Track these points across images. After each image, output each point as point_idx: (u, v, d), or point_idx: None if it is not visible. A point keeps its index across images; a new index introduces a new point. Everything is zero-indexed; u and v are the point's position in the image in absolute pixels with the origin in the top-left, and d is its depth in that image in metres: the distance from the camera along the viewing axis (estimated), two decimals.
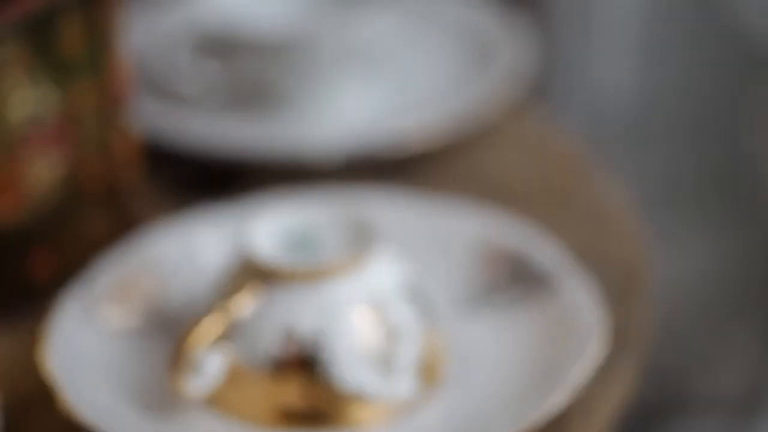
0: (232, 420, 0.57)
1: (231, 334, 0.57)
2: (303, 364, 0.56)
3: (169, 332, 0.62)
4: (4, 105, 0.60)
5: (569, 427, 0.57)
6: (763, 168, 1.33)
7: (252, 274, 0.58)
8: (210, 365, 0.56)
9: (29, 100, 0.62)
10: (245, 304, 0.57)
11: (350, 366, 0.56)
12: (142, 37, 0.83)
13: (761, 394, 1.36)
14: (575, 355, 0.57)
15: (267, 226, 0.59)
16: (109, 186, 0.68)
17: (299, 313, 0.56)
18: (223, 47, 0.79)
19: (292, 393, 0.56)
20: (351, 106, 0.81)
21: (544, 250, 0.64)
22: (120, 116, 0.67)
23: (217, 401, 0.58)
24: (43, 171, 0.64)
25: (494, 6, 0.93)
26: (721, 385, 1.40)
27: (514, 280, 0.64)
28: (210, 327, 0.56)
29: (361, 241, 0.58)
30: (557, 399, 0.55)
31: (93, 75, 0.65)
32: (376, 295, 0.57)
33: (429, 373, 0.58)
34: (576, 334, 0.59)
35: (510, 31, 0.89)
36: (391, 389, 0.57)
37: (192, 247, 0.65)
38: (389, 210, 0.67)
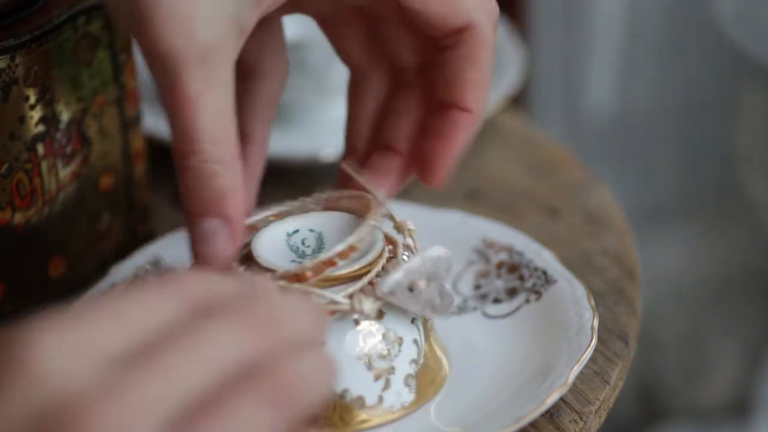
0: None
1: None
2: None
3: None
4: (22, 121, 0.60)
5: (563, 426, 0.58)
6: (747, 172, 1.34)
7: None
8: None
9: (44, 114, 0.61)
10: None
11: (349, 374, 0.55)
12: None
13: (745, 403, 1.37)
14: (569, 354, 0.57)
15: (272, 231, 0.58)
16: (123, 191, 0.68)
17: None
18: None
19: None
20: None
21: (537, 251, 0.65)
22: (132, 126, 0.67)
23: None
24: (61, 179, 0.64)
25: None
26: (706, 393, 1.40)
27: (508, 279, 0.64)
28: None
29: (363, 245, 0.57)
30: (551, 398, 0.55)
31: (106, 87, 0.65)
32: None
33: (429, 379, 0.58)
34: (569, 332, 0.59)
35: (503, 37, 0.90)
36: (389, 398, 0.56)
37: None
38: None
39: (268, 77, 0.62)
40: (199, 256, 0.52)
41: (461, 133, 0.58)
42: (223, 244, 0.52)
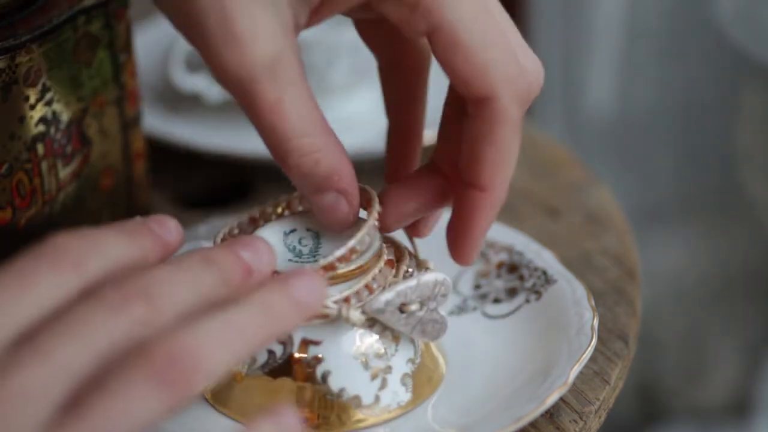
0: (233, 419, 0.57)
1: None
2: (299, 370, 0.55)
3: None
4: (22, 121, 0.60)
5: (563, 426, 0.58)
6: (747, 172, 1.34)
7: None
8: None
9: (44, 114, 0.61)
10: None
11: (346, 373, 0.55)
12: (142, 48, 0.84)
13: (745, 403, 1.37)
14: (569, 354, 0.57)
15: (269, 230, 0.58)
16: (123, 191, 0.68)
17: None
18: None
19: (287, 398, 0.56)
20: (350, 110, 0.82)
21: (537, 251, 0.65)
22: (132, 126, 0.67)
23: (219, 402, 0.57)
24: (61, 179, 0.63)
25: None
26: (706, 393, 1.40)
27: (508, 279, 0.64)
28: None
29: (363, 246, 0.56)
30: (551, 398, 0.55)
31: (106, 87, 0.65)
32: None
33: (426, 378, 0.58)
34: (569, 332, 0.59)
35: None
36: (386, 397, 0.56)
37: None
38: None
39: (405, 61, 0.61)
40: (327, 225, 0.56)
41: (480, 214, 0.55)
42: (345, 211, 0.55)
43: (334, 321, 0.55)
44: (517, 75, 0.53)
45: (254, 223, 0.60)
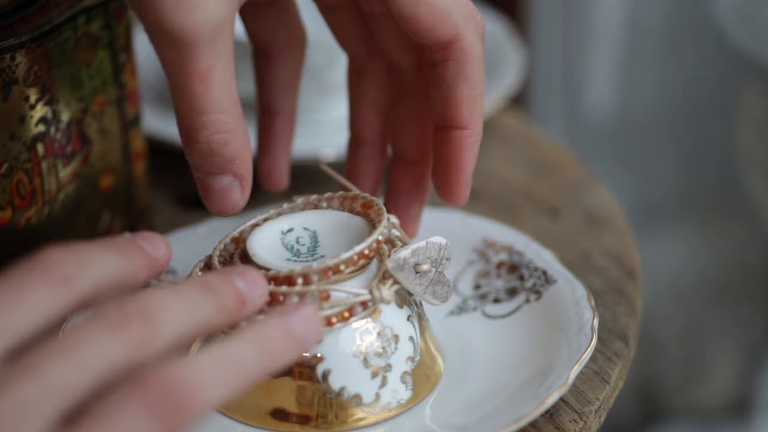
0: (232, 419, 0.57)
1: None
2: (299, 370, 0.55)
3: None
4: (22, 121, 0.60)
5: (563, 426, 0.58)
6: (746, 172, 1.34)
7: None
8: None
9: (44, 114, 0.61)
10: None
11: (346, 372, 0.55)
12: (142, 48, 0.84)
13: (745, 403, 1.37)
14: (569, 354, 0.57)
15: (266, 229, 0.58)
16: (123, 191, 0.68)
17: None
18: None
19: (287, 397, 0.56)
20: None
21: (537, 251, 0.65)
22: (132, 125, 0.67)
23: None
24: (61, 179, 0.63)
25: (491, 12, 0.94)
26: (706, 393, 1.40)
27: (508, 279, 0.64)
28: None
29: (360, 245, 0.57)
30: (551, 398, 0.55)
31: (106, 87, 0.65)
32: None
33: (424, 376, 0.58)
34: (569, 332, 0.59)
35: (503, 37, 0.90)
36: (386, 395, 0.56)
37: (196, 251, 0.64)
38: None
39: (286, 51, 0.63)
40: (215, 208, 0.56)
41: (466, 153, 0.59)
42: (237, 197, 0.56)
43: (362, 312, 0.55)
44: (474, 12, 0.57)
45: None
